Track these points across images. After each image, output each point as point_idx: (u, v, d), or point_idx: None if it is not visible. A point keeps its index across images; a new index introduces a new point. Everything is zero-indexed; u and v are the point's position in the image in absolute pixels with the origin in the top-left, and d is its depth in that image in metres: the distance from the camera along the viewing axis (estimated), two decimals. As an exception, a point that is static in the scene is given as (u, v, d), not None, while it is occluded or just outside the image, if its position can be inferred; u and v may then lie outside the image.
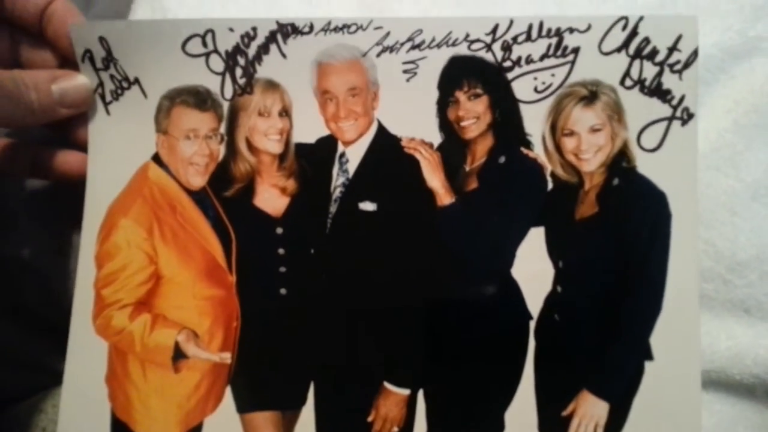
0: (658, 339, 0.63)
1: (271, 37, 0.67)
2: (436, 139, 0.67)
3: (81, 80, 0.68)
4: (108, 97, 0.70)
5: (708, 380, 0.67)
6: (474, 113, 0.66)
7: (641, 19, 0.63)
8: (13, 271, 0.76)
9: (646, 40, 0.63)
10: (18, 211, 0.76)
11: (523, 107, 0.65)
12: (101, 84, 0.69)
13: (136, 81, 0.69)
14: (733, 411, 0.68)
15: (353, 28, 0.66)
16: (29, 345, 0.78)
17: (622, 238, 0.63)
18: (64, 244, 0.75)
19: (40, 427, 0.76)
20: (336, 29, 0.66)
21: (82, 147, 0.70)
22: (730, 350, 0.66)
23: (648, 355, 0.63)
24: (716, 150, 0.67)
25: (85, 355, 0.69)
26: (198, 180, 0.69)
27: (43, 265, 0.75)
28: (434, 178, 0.66)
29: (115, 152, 0.70)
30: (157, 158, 0.70)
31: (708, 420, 0.67)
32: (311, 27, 0.66)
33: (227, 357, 0.68)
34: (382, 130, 0.68)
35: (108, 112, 0.70)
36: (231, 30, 0.67)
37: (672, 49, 0.63)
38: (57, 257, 0.75)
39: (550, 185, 0.66)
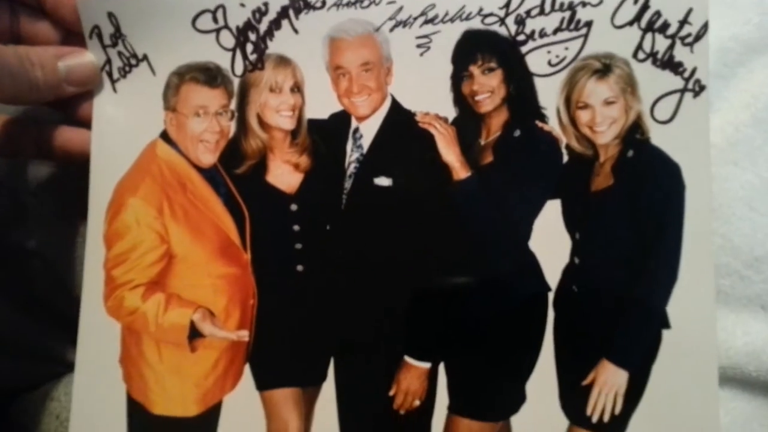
0: (674, 307, 0.63)
1: (283, 13, 0.66)
2: (451, 113, 0.67)
3: (88, 57, 0.67)
4: (115, 75, 0.69)
5: (724, 377, 0.67)
6: (488, 87, 0.66)
7: None
8: (24, 261, 0.75)
9: (658, 14, 0.63)
10: (28, 203, 0.75)
11: (537, 81, 0.66)
12: (109, 61, 0.68)
13: (145, 58, 0.68)
14: (750, 407, 0.68)
15: (366, 2, 0.65)
16: (41, 335, 0.77)
17: (637, 209, 0.64)
18: (74, 234, 0.74)
19: (54, 415, 0.75)
20: (348, 4, 0.66)
21: (87, 125, 0.69)
22: (746, 346, 0.66)
23: (665, 324, 0.64)
24: (734, 144, 0.67)
25: (98, 336, 0.68)
26: (208, 157, 0.69)
27: (55, 256, 0.75)
28: (449, 152, 0.66)
29: (122, 130, 0.69)
30: (165, 136, 0.69)
31: (724, 417, 0.66)
32: (323, 2, 0.66)
33: (245, 335, 0.68)
34: (396, 105, 0.68)
35: (115, 90, 0.69)
36: (242, 5, 0.66)
37: (683, 23, 0.63)
38: (68, 247, 0.74)
39: (565, 158, 0.66)
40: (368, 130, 0.69)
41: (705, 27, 0.63)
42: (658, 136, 0.64)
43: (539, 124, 0.66)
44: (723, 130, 0.67)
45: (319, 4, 0.66)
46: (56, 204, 0.75)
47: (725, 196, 0.67)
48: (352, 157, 0.69)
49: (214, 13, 0.66)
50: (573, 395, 0.65)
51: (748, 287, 0.67)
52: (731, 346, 0.66)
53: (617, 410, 0.64)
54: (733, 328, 0.67)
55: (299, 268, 0.70)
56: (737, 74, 0.69)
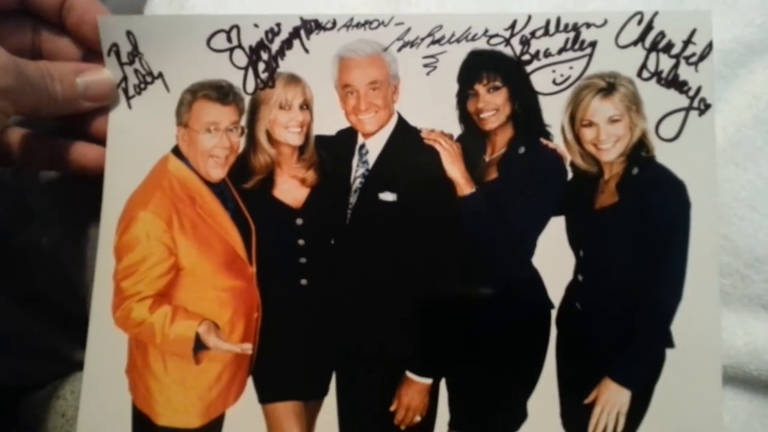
0: (678, 327, 0.63)
1: (295, 33, 0.68)
2: (456, 130, 0.68)
3: (105, 74, 0.69)
4: (131, 92, 0.70)
5: (725, 376, 0.66)
6: (493, 105, 0.67)
7: (656, 14, 0.64)
8: (30, 261, 0.77)
9: (662, 34, 0.64)
10: (35, 204, 0.77)
11: (542, 99, 0.66)
12: (125, 78, 0.70)
13: (160, 75, 0.70)
14: (750, 407, 0.68)
15: (375, 24, 0.67)
16: (46, 334, 0.78)
17: (642, 227, 0.64)
18: (79, 234, 0.75)
19: (59, 413, 0.76)
20: (358, 25, 0.67)
21: (101, 140, 0.71)
22: (747, 346, 0.66)
23: (669, 343, 0.63)
24: (735, 145, 0.67)
25: (105, 347, 0.69)
26: (218, 172, 0.70)
27: (60, 256, 0.76)
28: (454, 168, 0.66)
29: (135, 145, 0.70)
30: (176, 151, 0.70)
31: (725, 416, 0.66)
32: (334, 23, 0.67)
33: (248, 348, 0.68)
34: (402, 122, 0.69)
35: (129, 106, 0.71)
36: (256, 26, 0.68)
37: (687, 43, 0.64)
38: (73, 248, 0.75)
39: (570, 175, 0.66)
40: (374, 146, 0.70)
41: (709, 46, 0.64)
42: (664, 154, 0.65)
43: (544, 141, 0.67)
44: (725, 130, 0.67)
45: (329, 25, 0.68)
46: (61, 205, 0.76)
47: (726, 196, 0.66)
48: (357, 172, 0.70)
49: (228, 33, 0.68)
50: (575, 413, 0.65)
51: (749, 287, 0.66)
52: (732, 346, 0.66)
53: (619, 429, 0.64)
54: (734, 327, 0.66)
55: (303, 282, 0.70)
56: (739, 75, 0.69)
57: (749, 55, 0.69)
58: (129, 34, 0.68)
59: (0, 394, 0.79)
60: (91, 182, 0.70)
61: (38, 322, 0.78)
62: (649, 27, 0.64)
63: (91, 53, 0.70)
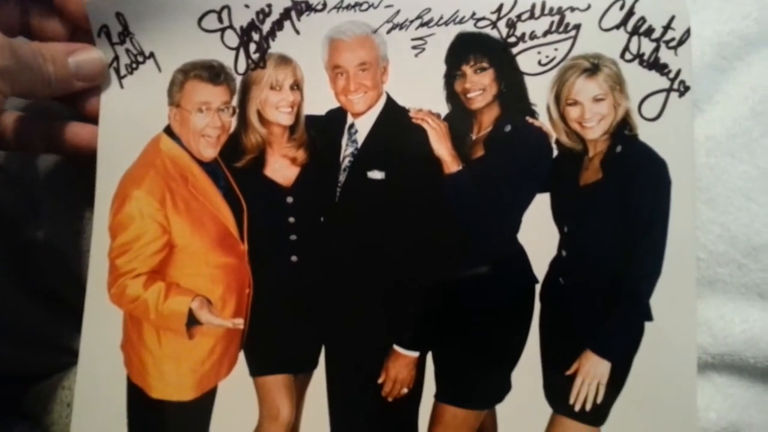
0: (657, 301, 0.65)
1: (286, 14, 0.69)
2: (444, 110, 0.69)
3: (96, 53, 0.69)
4: (122, 71, 0.71)
5: (722, 364, 0.68)
6: (480, 85, 0.68)
7: (636, 0, 0.66)
8: (36, 254, 0.77)
9: (642, 19, 0.66)
10: (40, 197, 0.77)
11: (527, 79, 0.68)
12: (116, 58, 0.71)
13: (152, 55, 0.71)
14: (748, 394, 0.69)
15: (365, 6, 0.68)
16: (52, 325, 0.79)
17: (625, 204, 0.66)
18: (84, 226, 0.76)
19: (64, 403, 0.77)
20: (348, 7, 0.68)
21: (94, 120, 0.71)
22: (744, 333, 0.67)
23: (648, 316, 0.65)
24: (732, 136, 0.68)
25: (101, 322, 0.70)
26: (210, 151, 0.71)
27: (65, 248, 0.76)
28: (441, 146, 0.68)
29: (127, 125, 0.71)
30: (168, 130, 0.71)
31: (722, 403, 0.68)
32: (324, 4, 0.68)
33: (240, 323, 0.70)
34: (390, 101, 0.70)
35: (122, 86, 0.71)
36: (247, 6, 0.69)
37: (666, 28, 0.66)
38: (78, 240, 0.76)
39: (555, 153, 0.68)
40: (363, 125, 0.71)
41: (687, 33, 0.65)
42: (646, 133, 0.66)
43: (530, 119, 0.68)
44: (722, 122, 0.68)
45: (320, 7, 0.69)
46: (66, 198, 0.77)
47: (723, 186, 0.67)
48: (347, 151, 0.71)
49: (219, 13, 0.69)
50: (557, 385, 0.67)
51: (746, 276, 0.68)
52: (729, 334, 0.67)
53: (599, 399, 0.65)
54: (731, 315, 0.68)
55: (294, 258, 0.72)
56: (736, 68, 0.70)
57: (746, 47, 0.70)
58: (119, 15, 0.69)
59: (5, 383, 0.80)
60: (93, 175, 0.71)
61: (44, 312, 0.78)
62: (631, 12, 0.66)
63: (79, 31, 0.70)
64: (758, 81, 0.69)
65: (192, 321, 0.69)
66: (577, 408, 0.66)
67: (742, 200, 0.67)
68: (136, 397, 0.70)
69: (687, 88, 0.66)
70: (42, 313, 0.79)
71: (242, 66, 0.70)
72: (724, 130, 0.68)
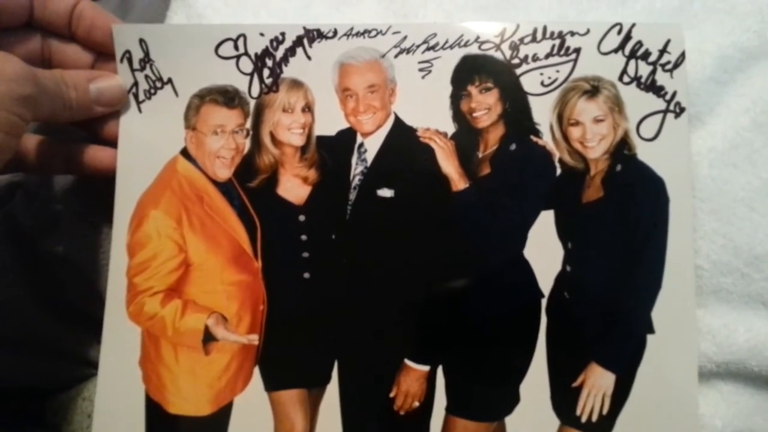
0: (658, 313, 0.67)
1: (298, 41, 0.72)
2: (450, 128, 0.71)
3: (117, 80, 0.72)
4: (141, 96, 0.74)
5: (727, 372, 0.69)
6: (485, 105, 0.71)
7: (633, 25, 0.69)
8: (56, 267, 0.79)
9: (639, 43, 0.69)
10: (61, 212, 0.79)
11: (531, 99, 0.70)
12: (136, 84, 0.73)
13: (170, 81, 0.73)
14: (752, 402, 0.70)
15: (373, 32, 0.71)
16: (73, 337, 0.80)
17: (625, 220, 0.68)
18: (102, 241, 0.78)
19: (86, 414, 0.79)
20: (358, 34, 0.71)
21: (112, 143, 0.74)
22: (748, 342, 0.68)
23: (650, 329, 0.67)
24: (734, 147, 0.69)
25: (120, 340, 0.72)
26: (224, 172, 0.73)
27: (84, 262, 0.78)
28: (449, 164, 0.70)
29: (145, 147, 0.74)
30: (185, 152, 0.74)
31: (727, 411, 0.69)
32: (335, 32, 0.72)
33: (255, 338, 0.71)
34: (398, 121, 0.72)
35: (140, 110, 0.74)
36: (261, 35, 0.72)
37: (662, 51, 0.69)
38: (97, 254, 0.78)
39: (558, 171, 0.70)
40: (372, 144, 0.73)
41: (682, 56, 0.68)
42: (644, 153, 0.69)
43: (534, 138, 0.71)
44: (723, 133, 0.70)
45: (330, 34, 0.72)
46: (84, 213, 0.79)
47: (726, 197, 0.69)
48: (356, 170, 0.74)
49: (235, 41, 0.72)
50: (564, 397, 0.68)
51: (750, 285, 0.69)
52: (733, 342, 0.68)
53: (605, 410, 0.67)
54: (735, 324, 0.69)
55: (306, 275, 0.74)
56: (737, 80, 0.71)
57: (747, 60, 0.71)
58: (142, 41, 0.72)
59: (26, 395, 0.81)
60: (111, 192, 0.73)
61: (64, 326, 0.80)
62: (628, 36, 0.69)
63: (101, 58, 0.73)
64: (759, 93, 0.71)
65: (208, 337, 0.71)
66: (583, 419, 0.67)
67: (745, 210, 0.69)
68: (155, 412, 0.72)
69: (683, 110, 0.68)
70: (61, 325, 0.81)
71: (256, 90, 0.73)
72: (726, 141, 0.70)
